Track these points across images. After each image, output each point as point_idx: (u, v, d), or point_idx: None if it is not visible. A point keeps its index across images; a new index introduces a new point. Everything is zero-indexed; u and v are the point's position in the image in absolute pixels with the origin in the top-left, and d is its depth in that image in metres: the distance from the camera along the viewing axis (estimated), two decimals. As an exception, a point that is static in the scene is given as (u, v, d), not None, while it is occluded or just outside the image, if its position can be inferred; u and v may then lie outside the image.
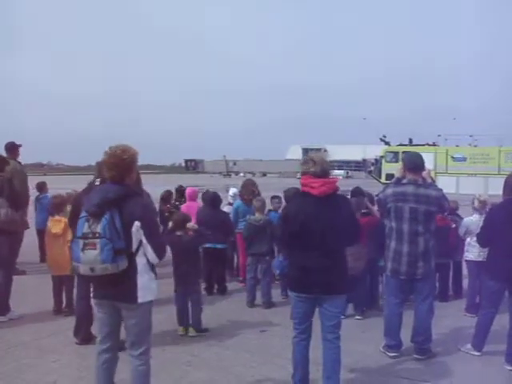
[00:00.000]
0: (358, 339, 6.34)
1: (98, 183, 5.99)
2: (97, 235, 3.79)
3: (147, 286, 4.08)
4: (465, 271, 8.24)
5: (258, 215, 7.96)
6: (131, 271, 3.92)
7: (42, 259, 10.82)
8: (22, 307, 7.21)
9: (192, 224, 6.84)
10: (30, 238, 7.73)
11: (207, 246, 7.99)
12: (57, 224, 7.33)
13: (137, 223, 3.92)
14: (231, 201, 9.98)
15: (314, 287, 4.55)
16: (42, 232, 10.37)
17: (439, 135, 42.27)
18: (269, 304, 7.76)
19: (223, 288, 8.59)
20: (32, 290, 8.32)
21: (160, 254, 4.09)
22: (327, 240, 4.52)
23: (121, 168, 4.02)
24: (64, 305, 7.25)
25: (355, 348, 5.98)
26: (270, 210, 8.71)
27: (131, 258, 3.92)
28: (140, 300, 4.02)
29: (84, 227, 3.86)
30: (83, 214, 3.95)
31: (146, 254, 4.01)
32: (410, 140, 41.12)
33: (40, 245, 10.90)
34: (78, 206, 6.10)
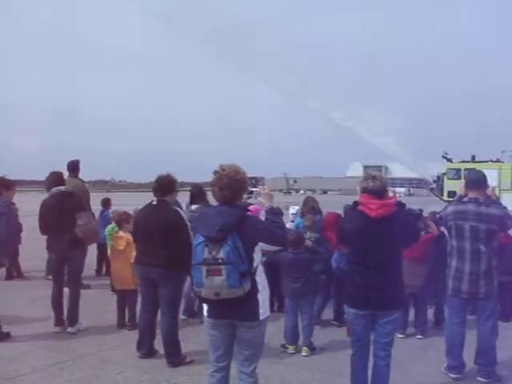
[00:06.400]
0: (419, 359, 6.26)
1: (155, 203, 6.20)
2: (220, 261, 3.77)
3: (266, 302, 4.14)
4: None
5: (309, 233, 7.96)
6: (253, 290, 3.92)
7: (99, 273, 11.16)
8: (87, 320, 7.41)
9: (309, 242, 7.03)
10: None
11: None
12: (121, 240, 7.55)
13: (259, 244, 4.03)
14: (292, 219, 10.01)
15: (370, 303, 4.64)
16: (103, 246, 10.67)
17: (503, 151, 41.21)
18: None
19: (283, 305, 8.61)
20: (96, 304, 8.54)
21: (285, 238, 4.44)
22: (383, 260, 4.65)
23: (234, 189, 4.03)
24: (127, 318, 7.43)
25: (416, 368, 5.90)
26: None
27: (252, 277, 3.93)
28: (261, 317, 4.04)
29: (204, 253, 3.83)
30: (200, 239, 3.91)
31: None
32: (473, 157, 40.17)
33: (99, 259, 11.21)
34: (139, 223, 6.38)
